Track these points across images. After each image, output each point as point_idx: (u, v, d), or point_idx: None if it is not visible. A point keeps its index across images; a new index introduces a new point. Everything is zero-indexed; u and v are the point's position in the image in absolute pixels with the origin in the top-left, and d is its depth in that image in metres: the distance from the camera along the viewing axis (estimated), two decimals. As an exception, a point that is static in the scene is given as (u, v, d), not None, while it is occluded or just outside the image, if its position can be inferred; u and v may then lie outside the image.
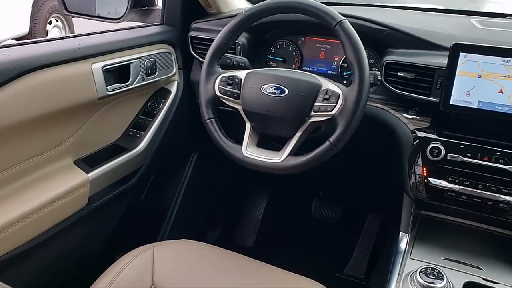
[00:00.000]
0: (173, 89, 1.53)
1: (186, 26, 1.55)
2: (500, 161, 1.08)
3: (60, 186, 1.19)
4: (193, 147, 1.78)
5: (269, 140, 1.34)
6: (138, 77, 1.36)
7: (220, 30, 1.22)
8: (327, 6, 1.11)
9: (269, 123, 1.17)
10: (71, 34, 1.52)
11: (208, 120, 1.21)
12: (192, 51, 1.53)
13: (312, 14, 1.12)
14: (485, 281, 1.09)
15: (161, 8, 1.57)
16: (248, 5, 1.62)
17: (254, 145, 1.19)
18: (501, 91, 1.07)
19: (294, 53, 1.47)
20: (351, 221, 2.07)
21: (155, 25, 1.55)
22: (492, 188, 1.10)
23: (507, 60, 1.05)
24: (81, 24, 2.03)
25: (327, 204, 2.12)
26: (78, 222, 1.28)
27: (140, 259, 1.10)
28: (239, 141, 1.19)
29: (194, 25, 1.54)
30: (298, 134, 1.13)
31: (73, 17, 2.47)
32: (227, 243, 1.98)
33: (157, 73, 1.44)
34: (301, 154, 1.12)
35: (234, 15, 1.22)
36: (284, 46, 1.48)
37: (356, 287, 1.83)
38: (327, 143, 1.08)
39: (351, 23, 1.09)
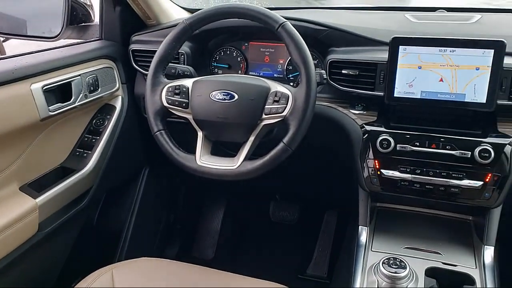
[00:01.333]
0: (118, 105, 1.48)
1: (126, 39, 1.51)
2: (447, 147, 1.13)
3: (6, 215, 1.12)
4: (144, 162, 1.74)
5: (222, 148, 1.33)
6: (81, 95, 1.31)
7: (161, 41, 1.19)
8: (268, 10, 1.11)
9: (221, 130, 1.16)
10: (5, 55, 1.43)
11: (158, 132, 1.17)
12: (134, 64, 1.49)
13: (254, 18, 1.12)
14: (445, 265, 1.13)
15: (98, 23, 1.53)
16: (187, 15, 1.60)
17: (208, 154, 1.17)
18: (441, 80, 1.12)
19: (239, 59, 1.46)
20: (309, 221, 2.09)
21: (94, 40, 1.50)
22: (442, 173, 1.14)
23: (444, 50, 1.09)
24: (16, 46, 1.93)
25: (284, 207, 2.12)
26: (30, 251, 1.21)
27: (99, 283, 1.05)
28: (192, 152, 1.16)
29: (134, 38, 1.50)
30: (251, 138, 1.12)
31: (4, 40, 2.35)
32: (187, 258, 1.95)
33: (99, 89, 1.39)
34: (256, 158, 1.12)
35: (175, 25, 1.20)
36: (228, 52, 1.47)
37: (320, 286, 1.84)
38: (281, 144, 1.08)
39: (293, 25, 1.10)
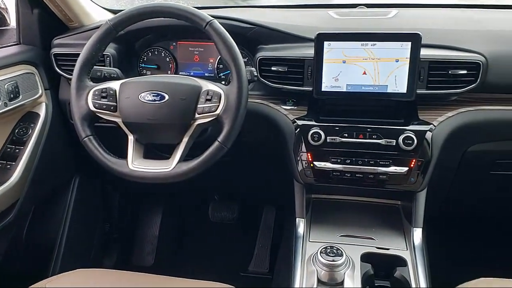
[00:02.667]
0: (42, 112, 1.41)
1: (47, 43, 1.44)
2: (374, 136, 1.18)
3: None
4: (74, 171, 1.66)
5: (155, 150, 1.31)
6: (0, 103, 1.23)
7: (85, 43, 1.15)
8: (194, 8, 1.11)
9: (153, 132, 1.13)
10: None
11: (86, 138, 1.13)
12: (57, 68, 1.42)
13: (180, 17, 1.11)
14: (378, 250, 1.18)
15: (15, 27, 1.44)
16: (111, 16, 1.56)
17: (140, 157, 1.14)
18: (364, 73, 1.17)
19: (167, 59, 1.44)
20: (249, 218, 2.10)
21: (11, 45, 1.42)
22: (371, 162, 1.19)
23: (366, 44, 1.14)
24: None
25: (223, 207, 2.12)
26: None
27: (32, 299, 0.99)
28: (124, 156, 1.13)
29: (56, 41, 1.43)
30: (185, 139, 1.11)
31: None
32: (126, 266, 1.89)
33: (20, 96, 1.31)
34: (191, 159, 1.11)
35: (98, 27, 1.16)
36: (156, 53, 1.45)
37: (262, 282, 1.86)
38: (216, 143, 1.08)
39: (221, 24, 1.10)
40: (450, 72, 1.15)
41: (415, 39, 1.12)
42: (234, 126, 1.07)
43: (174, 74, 1.44)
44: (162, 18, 1.16)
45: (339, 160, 1.21)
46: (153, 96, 1.10)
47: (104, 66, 1.33)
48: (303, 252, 1.18)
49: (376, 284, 1.13)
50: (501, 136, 1.27)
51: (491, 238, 1.83)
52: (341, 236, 1.23)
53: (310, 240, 1.23)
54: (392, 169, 1.19)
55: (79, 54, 1.15)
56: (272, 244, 1.98)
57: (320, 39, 1.16)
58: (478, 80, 1.16)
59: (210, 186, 1.97)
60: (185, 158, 1.12)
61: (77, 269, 1.12)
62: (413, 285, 1.08)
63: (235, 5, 1.87)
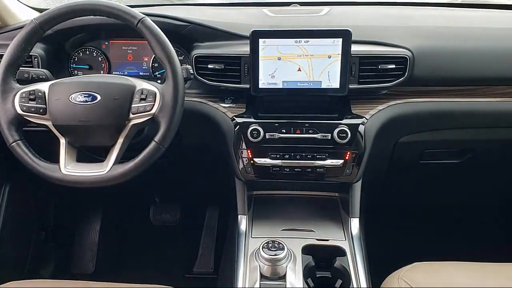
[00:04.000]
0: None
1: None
2: (310, 131, 1.21)
3: None
4: (4, 178, 1.57)
5: (89, 153, 1.26)
6: None
7: (9, 44, 1.09)
8: (125, 6, 1.08)
9: (86, 134, 1.09)
10: None
11: (14, 143, 1.07)
12: (-21, 71, 1.33)
13: (111, 15, 1.08)
14: (318, 241, 1.21)
15: None
16: (37, 15, 1.48)
17: (73, 161, 1.10)
18: (299, 70, 1.19)
19: (100, 58, 1.40)
20: (192, 219, 2.08)
21: None
22: (308, 156, 1.22)
23: (299, 41, 1.17)
24: None
25: (165, 209, 2.09)
26: None
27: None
28: (56, 161, 1.08)
29: (-24, 42, 1.35)
30: (120, 140, 1.08)
31: None
32: (65, 275, 1.81)
33: None
34: (127, 161, 1.08)
35: (23, 26, 1.10)
36: (87, 52, 1.40)
37: (207, 282, 1.85)
38: (152, 143, 1.06)
39: (154, 22, 1.08)
40: (379, 67, 1.20)
41: (345, 36, 1.15)
42: (171, 125, 1.05)
43: (107, 74, 1.40)
44: (93, 17, 1.12)
45: (278, 156, 1.23)
46: (85, 97, 1.07)
47: (32, 67, 1.27)
48: (246, 248, 1.19)
49: (317, 275, 1.16)
50: (428, 126, 1.34)
51: (425, 224, 1.93)
52: (283, 230, 1.25)
53: (253, 236, 1.24)
54: (328, 162, 1.22)
55: (3, 54, 1.09)
56: (216, 243, 1.97)
57: (255, 37, 1.17)
58: (406, 74, 1.21)
59: (150, 188, 1.93)
60: (121, 160, 1.09)
61: (10, 282, 1.06)
62: (352, 273, 1.12)
63: (170, 3, 1.84)
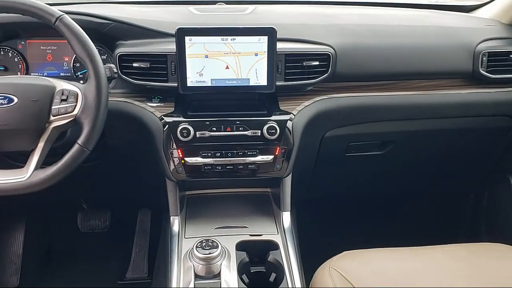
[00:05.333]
0: None
1: None
2: (240, 128, 1.21)
3: None
4: None
5: (6, 159, 1.19)
6: None
7: None
8: (42, 3, 1.02)
9: (2, 139, 1.02)
10: None
11: None
12: None
13: (26, 12, 1.02)
14: (252, 237, 1.21)
15: None
16: None
17: (-11, 168, 1.03)
18: (227, 67, 1.20)
19: (16, 59, 1.31)
20: (123, 224, 2.02)
21: None
22: (239, 153, 1.23)
23: (226, 38, 1.17)
24: None
25: (93, 215, 2.00)
26: None
27: None
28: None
29: None
30: (41, 144, 1.02)
31: None
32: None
33: None
34: (49, 166, 1.02)
35: None
36: (2, 53, 1.31)
37: (141, 287, 1.81)
38: (76, 146, 1.02)
39: (74, 20, 1.04)
40: (304, 64, 1.24)
41: (271, 34, 1.17)
42: (95, 126, 1.01)
43: (25, 75, 1.32)
44: (6, 14, 1.05)
45: (209, 154, 1.23)
46: (0, 99, 1.00)
47: None
48: (179, 249, 1.17)
49: (251, 271, 1.17)
50: (352, 120, 1.40)
51: (354, 214, 2.01)
52: (216, 228, 1.25)
53: (186, 237, 1.22)
54: (259, 158, 1.23)
55: None
56: (149, 247, 1.93)
57: (180, 34, 1.16)
58: (329, 71, 1.26)
59: (76, 194, 1.85)
60: (42, 165, 1.03)
61: None
62: (285, 266, 1.14)
63: (90, 1, 1.77)
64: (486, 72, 1.37)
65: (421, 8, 1.64)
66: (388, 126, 1.44)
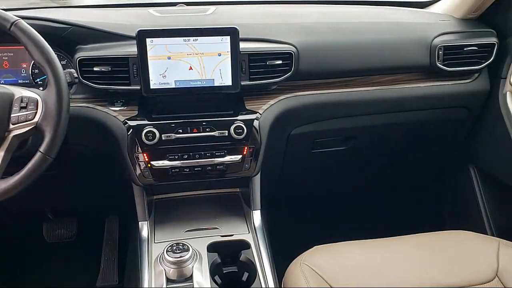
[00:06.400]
0: None
1: None
2: (207, 129, 1.21)
3: None
4: None
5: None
6: None
7: None
8: None
9: None
10: None
11: None
12: None
13: None
14: (223, 237, 1.21)
15: None
16: None
17: None
18: (191, 68, 1.19)
19: (-31, 67, 1.27)
20: (90, 232, 1.98)
21: None
22: (207, 154, 1.22)
23: (188, 39, 1.16)
24: None
25: (59, 224, 1.95)
26: None
27: None
28: None
29: None
30: (1, 154, 0.99)
31: None
32: None
33: None
34: (11, 176, 0.99)
35: None
36: None
37: None
38: (38, 154, 0.99)
39: (30, 25, 1.01)
40: (268, 63, 1.25)
41: (233, 33, 1.17)
42: (57, 133, 0.98)
43: (-20, 84, 1.27)
44: None
45: (176, 157, 1.22)
46: None
47: None
48: (149, 254, 1.16)
49: (224, 271, 1.17)
50: (316, 117, 1.42)
51: (324, 209, 2.04)
52: (186, 231, 1.24)
53: (156, 242, 1.21)
54: (227, 158, 1.23)
55: None
56: (119, 254, 1.89)
57: (141, 36, 1.14)
58: (292, 69, 1.27)
59: (40, 204, 1.79)
60: (3, 175, 1.00)
61: None
62: (258, 265, 1.14)
63: (48, 6, 1.73)
64: (443, 65, 1.42)
65: (379, 5, 1.67)
66: (350, 122, 1.47)
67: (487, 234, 1.57)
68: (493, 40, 1.44)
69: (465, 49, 1.43)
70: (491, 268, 1.09)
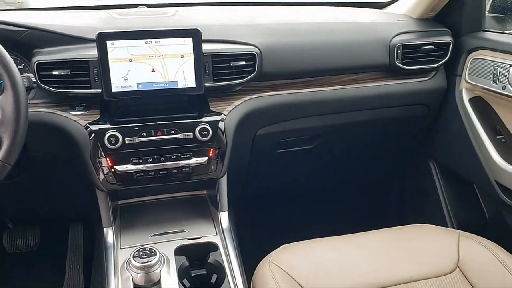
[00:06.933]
0: None
1: None
2: (172, 132, 1.20)
3: None
4: None
5: None
6: None
7: None
8: None
9: None
10: None
11: None
12: None
13: None
14: (190, 240, 1.21)
15: None
16: None
17: None
18: (153, 70, 1.18)
19: None
20: (54, 240, 1.92)
21: None
22: (172, 157, 1.21)
23: (149, 41, 1.15)
24: None
25: (21, 234, 1.89)
26: None
27: None
28: None
29: None
30: (-45, 163, 0.95)
31: None
32: None
33: None
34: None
35: None
36: None
37: None
38: None
39: None
40: (231, 64, 1.25)
41: (195, 35, 1.17)
42: (15, 140, 0.95)
43: None
44: None
45: (141, 160, 1.20)
46: None
47: None
48: (115, 260, 1.14)
49: (192, 274, 1.16)
50: (280, 117, 1.43)
51: (291, 209, 2.06)
52: (153, 236, 1.23)
53: (122, 247, 1.19)
54: (193, 160, 1.23)
55: None
56: (84, 262, 1.85)
57: (101, 39, 1.12)
58: (256, 70, 1.28)
59: (0, 213, 1.73)
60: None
61: None
62: (226, 266, 1.14)
63: (3, 8, 1.67)
64: (401, 64, 1.46)
65: (339, 6, 1.70)
66: (314, 121, 1.49)
67: (448, 227, 1.62)
68: (448, 39, 1.49)
69: (422, 48, 1.47)
70: (452, 259, 1.13)
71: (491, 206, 1.58)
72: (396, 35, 1.46)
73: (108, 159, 1.18)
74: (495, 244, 1.16)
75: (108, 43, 1.12)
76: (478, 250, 1.14)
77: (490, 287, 1.06)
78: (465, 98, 1.49)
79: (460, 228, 1.30)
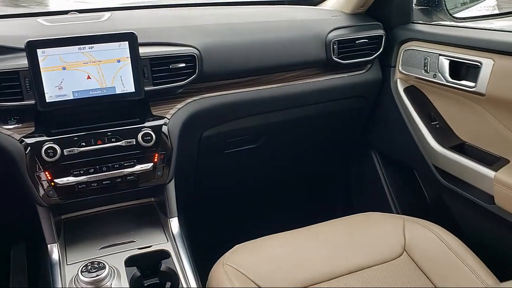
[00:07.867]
0: None
1: None
2: (113, 139, 1.16)
3: None
4: None
5: None
6: None
7: None
8: None
9: None
10: None
11: None
12: None
13: None
14: (141, 250, 1.18)
15: None
16: None
17: None
18: (89, 77, 1.14)
19: None
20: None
21: None
22: (115, 166, 1.18)
23: (83, 47, 1.11)
24: None
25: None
26: None
27: None
28: None
29: None
30: None
31: None
32: None
33: None
34: None
35: None
36: None
37: None
38: None
39: None
40: (171, 66, 1.23)
41: (131, 38, 1.14)
42: None
43: None
44: None
45: (82, 172, 1.16)
46: None
47: None
48: (62, 278, 1.09)
49: (145, 284, 1.13)
50: (225, 118, 1.43)
51: (242, 209, 2.05)
52: (101, 248, 1.19)
53: (68, 263, 1.14)
54: (138, 167, 1.20)
55: None
56: (29, 283, 1.76)
57: (31, 47, 1.07)
58: (196, 71, 1.27)
59: None
60: None
61: None
62: (180, 273, 1.13)
63: None
64: (338, 58, 1.49)
65: (274, 5, 1.72)
66: (258, 120, 1.50)
67: (393, 213, 1.68)
68: (380, 32, 1.55)
69: (357, 42, 1.51)
70: (399, 244, 1.18)
71: (432, 190, 1.65)
72: (331, 30, 1.49)
73: (47, 172, 1.12)
74: (438, 226, 1.22)
75: (39, 51, 1.07)
76: (422, 233, 1.19)
77: (435, 268, 1.11)
78: (400, 88, 1.55)
79: (404, 213, 1.35)
